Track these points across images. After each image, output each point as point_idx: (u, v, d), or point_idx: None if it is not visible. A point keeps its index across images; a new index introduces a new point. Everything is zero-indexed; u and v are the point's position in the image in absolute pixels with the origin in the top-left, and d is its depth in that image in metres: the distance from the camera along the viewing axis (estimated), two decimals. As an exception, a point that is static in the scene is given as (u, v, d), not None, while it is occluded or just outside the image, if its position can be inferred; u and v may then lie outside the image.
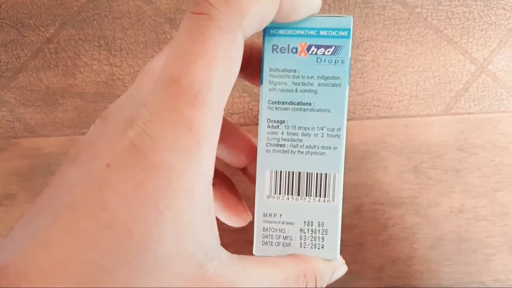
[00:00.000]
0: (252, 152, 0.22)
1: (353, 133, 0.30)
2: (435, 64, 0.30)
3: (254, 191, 0.18)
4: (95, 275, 0.12)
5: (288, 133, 0.17)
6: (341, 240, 0.18)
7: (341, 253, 0.18)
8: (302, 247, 0.18)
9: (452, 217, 0.30)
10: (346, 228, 0.30)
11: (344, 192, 0.30)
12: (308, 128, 0.17)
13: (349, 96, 0.17)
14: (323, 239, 0.18)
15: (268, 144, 0.18)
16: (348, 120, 0.30)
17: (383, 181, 0.30)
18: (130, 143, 0.13)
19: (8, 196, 0.30)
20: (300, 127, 0.17)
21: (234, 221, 0.22)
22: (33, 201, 0.30)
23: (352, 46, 0.31)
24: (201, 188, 0.14)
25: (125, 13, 0.31)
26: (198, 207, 0.14)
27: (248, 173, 0.22)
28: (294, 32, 0.17)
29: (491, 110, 0.30)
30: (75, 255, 0.12)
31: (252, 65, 0.19)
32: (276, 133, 0.18)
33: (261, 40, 0.18)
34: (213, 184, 0.15)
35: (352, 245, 0.30)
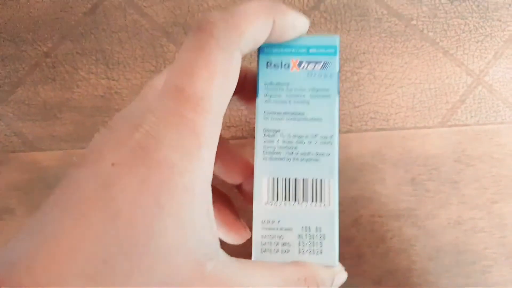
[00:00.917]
0: (246, 170, 0.22)
1: (350, 146, 0.30)
2: (432, 76, 0.31)
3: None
4: (97, 267, 0.13)
5: (283, 141, 0.18)
6: (339, 246, 0.18)
7: (339, 262, 0.18)
8: (301, 253, 0.18)
9: (450, 229, 0.30)
10: (344, 240, 0.30)
11: (342, 204, 0.30)
12: (302, 136, 0.18)
13: (339, 105, 0.18)
14: (321, 244, 0.18)
15: (264, 153, 0.18)
16: (345, 132, 0.30)
17: (381, 193, 0.30)
18: (136, 144, 0.14)
19: (6, 210, 0.30)
20: (294, 136, 0.18)
21: (233, 238, 0.22)
22: (32, 215, 0.30)
23: (341, 59, 0.31)
24: (201, 187, 0.15)
25: (123, 27, 0.32)
26: (198, 205, 0.14)
27: (243, 190, 0.23)
28: (286, 50, 0.18)
29: (488, 121, 0.30)
30: (79, 248, 0.13)
31: (246, 88, 0.20)
32: (272, 141, 0.18)
33: (254, 65, 0.18)
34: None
35: (351, 257, 0.30)
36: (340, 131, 0.30)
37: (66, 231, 0.13)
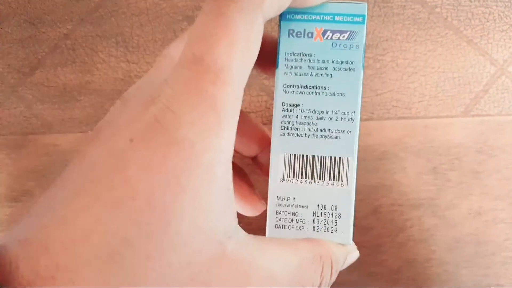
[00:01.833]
0: (263, 141, 0.22)
1: (371, 134, 0.30)
2: (455, 65, 0.30)
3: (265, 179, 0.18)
4: (116, 247, 0.12)
5: (302, 117, 0.18)
6: (354, 225, 0.18)
7: (354, 239, 0.18)
8: (315, 230, 0.18)
9: (470, 219, 0.29)
10: (363, 229, 0.29)
11: (361, 193, 0.30)
12: (323, 112, 0.18)
13: (363, 81, 0.18)
14: (336, 223, 0.18)
15: (282, 128, 0.18)
16: (366, 120, 0.30)
17: (401, 182, 0.30)
18: (153, 119, 0.13)
19: (25, 192, 0.30)
20: (314, 111, 0.18)
21: (248, 211, 0.22)
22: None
23: (367, 33, 0.31)
24: (221, 166, 0.14)
25: (143, 10, 0.31)
26: (218, 185, 0.14)
27: (259, 162, 0.22)
28: (310, 17, 0.17)
29: (511, 112, 0.30)
30: (96, 227, 0.12)
31: (265, 55, 0.19)
32: (290, 116, 0.18)
33: (274, 31, 0.18)
34: None
35: (370, 246, 0.29)
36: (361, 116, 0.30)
37: (80, 212, 0.13)
